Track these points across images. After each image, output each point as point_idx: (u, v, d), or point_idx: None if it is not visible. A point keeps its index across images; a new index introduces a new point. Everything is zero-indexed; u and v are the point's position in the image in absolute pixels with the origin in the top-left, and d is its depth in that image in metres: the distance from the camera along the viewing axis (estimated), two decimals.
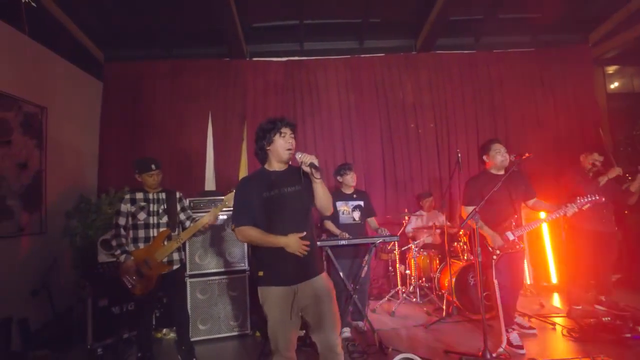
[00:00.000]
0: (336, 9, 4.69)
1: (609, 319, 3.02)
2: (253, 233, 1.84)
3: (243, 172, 4.98)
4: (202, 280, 3.44)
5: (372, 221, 3.65)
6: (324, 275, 1.93)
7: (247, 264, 3.57)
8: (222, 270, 3.52)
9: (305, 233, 1.83)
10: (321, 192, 1.85)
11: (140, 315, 2.88)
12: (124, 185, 4.21)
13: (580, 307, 3.58)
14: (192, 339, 3.34)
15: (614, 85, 5.79)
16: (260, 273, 1.88)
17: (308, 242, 1.82)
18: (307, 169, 1.80)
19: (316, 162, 1.79)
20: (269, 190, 1.85)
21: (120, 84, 4.94)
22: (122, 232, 2.76)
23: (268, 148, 1.89)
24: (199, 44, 5.12)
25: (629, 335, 2.76)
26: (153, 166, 2.82)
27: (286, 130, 1.87)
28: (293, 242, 1.79)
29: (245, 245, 3.61)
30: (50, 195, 3.82)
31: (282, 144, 1.86)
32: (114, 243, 2.74)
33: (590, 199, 2.68)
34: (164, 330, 3.56)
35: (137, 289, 2.71)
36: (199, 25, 4.68)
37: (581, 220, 3.41)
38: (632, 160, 5.46)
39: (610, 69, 5.77)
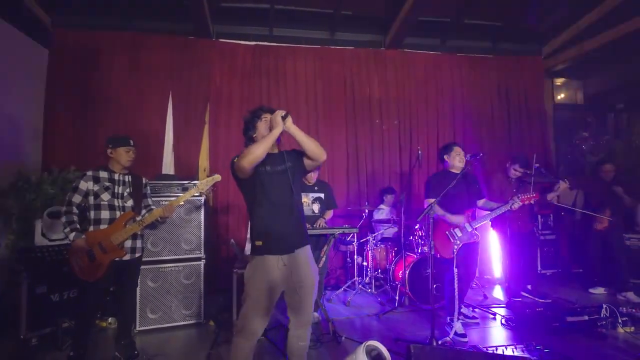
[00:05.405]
0: None
1: (542, 309, 3.31)
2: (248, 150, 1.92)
3: (204, 158, 4.80)
4: (153, 268, 3.29)
5: (327, 214, 3.63)
6: (309, 249, 2.07)
7: (203, 252, 3.47)
8: (177, 257, 3.40)
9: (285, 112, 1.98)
10: (305, 139, 1.98)
11: (83, 304, 2.63)
12: (71, 164, 3.91)
13: (519, 299, 3.96)
14: (140, 328, 3.22)
15: (561, 96, 6.28)
16: (259, 242, 1.96)
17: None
18: (285, 126, 1.94)
19: (283, 113, 1.95)
20: (264, 167, 2.01)
21: (72, 53, 4.49)
22: (75, 210, 2.54)
23: (255, 135, 2.07)
24: (162, 18, 4.77)
25: (557, 324, 3.05)
26: (131, 141, 2.68)
27: (267, 116, 2.05)
28: (276, 114, 1.96)
29: (202, 232, 3.50)
30: None
31: (265, 127, 2.04)
32: (63, 219, 2.50)
33: (527, 196, 3.09)
34: (110, 320, 3.37)
35: (85, 273, 2.49)
36: None
37: (502, 222, 3.83)
38: (572, 167, 6.04)
39: (558, 81, 6.24)
